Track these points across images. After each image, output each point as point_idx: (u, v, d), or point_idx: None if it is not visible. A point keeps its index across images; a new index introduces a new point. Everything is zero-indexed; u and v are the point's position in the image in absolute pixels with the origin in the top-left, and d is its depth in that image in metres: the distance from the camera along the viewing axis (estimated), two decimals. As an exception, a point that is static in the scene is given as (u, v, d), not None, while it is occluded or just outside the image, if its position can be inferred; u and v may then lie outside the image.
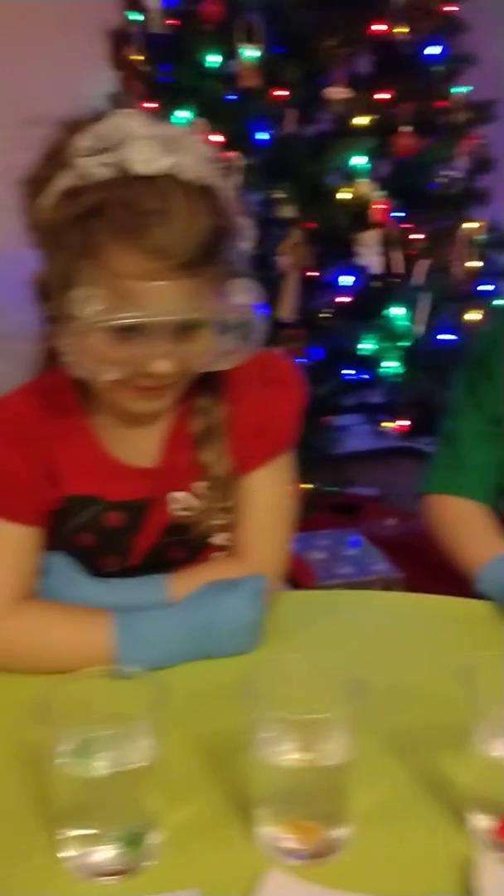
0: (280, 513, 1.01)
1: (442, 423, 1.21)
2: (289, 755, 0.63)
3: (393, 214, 2.41)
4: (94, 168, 0.81)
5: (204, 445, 0.96)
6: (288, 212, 2.38)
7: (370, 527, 2.88)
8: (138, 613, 0.88)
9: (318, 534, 2.45)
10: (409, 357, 2.49)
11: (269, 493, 0.99)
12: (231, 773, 0.70)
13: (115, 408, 0.93)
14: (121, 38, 2.68)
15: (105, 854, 0.61)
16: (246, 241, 0.92)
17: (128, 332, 0.83)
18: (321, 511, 2.63)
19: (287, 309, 2.36)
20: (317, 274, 2.44)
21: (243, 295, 0.87)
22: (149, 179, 0.81)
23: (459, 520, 1.13)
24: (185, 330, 0.85)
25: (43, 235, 0.86)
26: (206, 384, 0.97)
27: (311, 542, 2.39)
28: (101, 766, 0.61)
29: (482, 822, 0.64)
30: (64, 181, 0.83)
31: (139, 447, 0.97)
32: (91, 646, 0.85)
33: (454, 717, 0.65)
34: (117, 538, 0.97)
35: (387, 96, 2.43)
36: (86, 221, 0.82)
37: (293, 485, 1.03)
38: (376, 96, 2.43)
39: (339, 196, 2.38)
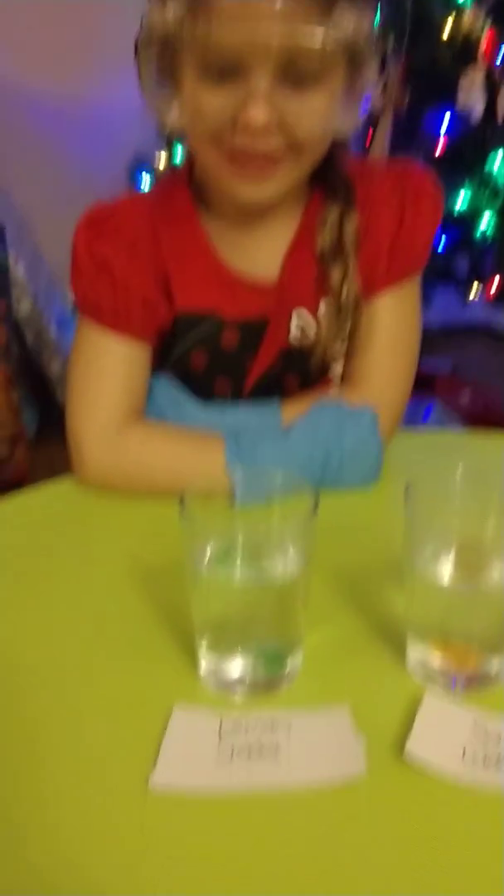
0: (404, 342, 0.92)
1: None
2: (449, 576, 0.57)
3: (500, 52, 2.18)
4: None
5: (331, 262, 0.87)
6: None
7: (444, 400, 2.79)
8: (251, 438, 0.82)
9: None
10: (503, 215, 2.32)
11: (395, 320, 0.91)
12: (376, 599, 0.66)
13: (226, 204, 0.85)
14: None
15: (245, 669, 0.57)
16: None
17: (223, 78, 0.73)
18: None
19: (378, 153, 2.19)
20: (412, 116, 2.25)
21: (355, 24, 0.73)
22: None
23: None
24: (286, 82, 0.73)
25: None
26: (336, 194, 0.87)
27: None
28: (244, 575, 0.56)
29: None
30: None
31: (259, 259, 0.88)
32: (206, 467, 0.80)
33: None
34: (232, 359, 0.90)
35: None
36: None
37: (419, 315, 0.94)
38: None
39: (441, 28, 2.16)
